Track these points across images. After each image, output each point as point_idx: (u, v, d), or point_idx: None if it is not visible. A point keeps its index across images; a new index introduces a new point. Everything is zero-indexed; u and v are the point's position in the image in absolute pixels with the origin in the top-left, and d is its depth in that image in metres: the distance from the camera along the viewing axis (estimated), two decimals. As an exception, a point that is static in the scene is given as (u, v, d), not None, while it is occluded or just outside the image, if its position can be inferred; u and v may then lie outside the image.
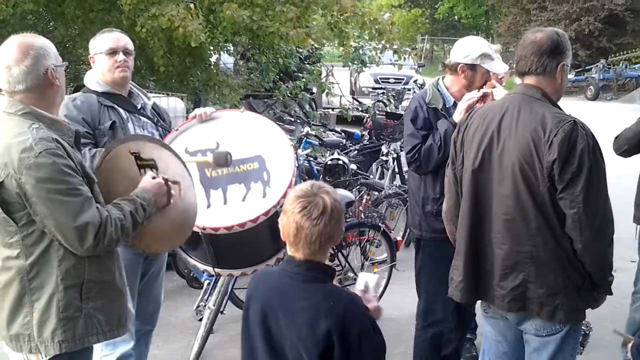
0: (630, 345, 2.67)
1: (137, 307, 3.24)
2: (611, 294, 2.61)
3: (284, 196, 2.98)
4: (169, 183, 2.55)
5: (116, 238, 2.25)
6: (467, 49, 3.36)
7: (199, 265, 3.35)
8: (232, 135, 3.29)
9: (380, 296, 4.79)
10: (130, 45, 3.18)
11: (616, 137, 3.98)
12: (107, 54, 3.08)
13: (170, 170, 2.62)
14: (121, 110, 3.12)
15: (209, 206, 3.08)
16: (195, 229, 2.87)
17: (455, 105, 3.41)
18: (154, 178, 2.51)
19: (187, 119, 3.40)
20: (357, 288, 2.22)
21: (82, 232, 2.16)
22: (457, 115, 3.28)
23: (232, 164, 3.14)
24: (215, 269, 3.28)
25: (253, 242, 3.19)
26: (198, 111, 3.39)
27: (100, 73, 3.11)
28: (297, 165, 3.39)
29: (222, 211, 3.08)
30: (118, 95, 3.14)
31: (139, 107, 3.22)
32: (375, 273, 2.32)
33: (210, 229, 2.99)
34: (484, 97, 3.22)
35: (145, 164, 2.59)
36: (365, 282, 2.22)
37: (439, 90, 3.47)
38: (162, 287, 3.47)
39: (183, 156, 2.82)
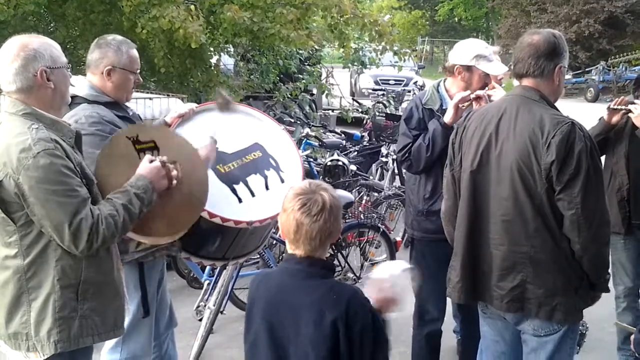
0: (632, 338, 2.69)
1: (160, 313, 3.21)
2: (608, 291, 2.64)
3: (304, 177, 3.03)
4: (168, 164, 2.47)
5: (110, 235, 2.24)
6: (463, 50, 3.38)
7: (206, 262, 3.26)
8: (222, 128, 3.22)
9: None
10: None
11: None
12: (132, 73, 2.90)
13: (174, 147, 2.55)
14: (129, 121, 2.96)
15: (240, 201, 3.02)
16: (236, 225, 2.83)
17: None
18: (151, 162, 2.45)
19: (172, 119, 3.17)
20: (376, 275, 2.16)
21: (76, 233, 2.16)
22: (448, 117, 3.30)
23: (238, 156, 3.12)
24: (233, 259, 3.23)
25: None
26: (182, 110, 3.15)
27: (111, 85, 2.86)
28: (294, 140, 3.36)
29: (255, 203, 3.03)
30: (118, 103, 2.96)
31: (130, 114, 3.06)
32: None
33: (257, 222, 2.92)
34: (477, 100, 3.22)
35: (144, 147, 2.53)
36: (388, 271, 2.16)
37: (438, 92, 3.49)
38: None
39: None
